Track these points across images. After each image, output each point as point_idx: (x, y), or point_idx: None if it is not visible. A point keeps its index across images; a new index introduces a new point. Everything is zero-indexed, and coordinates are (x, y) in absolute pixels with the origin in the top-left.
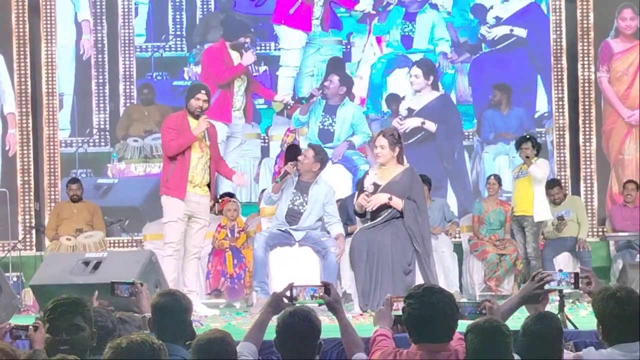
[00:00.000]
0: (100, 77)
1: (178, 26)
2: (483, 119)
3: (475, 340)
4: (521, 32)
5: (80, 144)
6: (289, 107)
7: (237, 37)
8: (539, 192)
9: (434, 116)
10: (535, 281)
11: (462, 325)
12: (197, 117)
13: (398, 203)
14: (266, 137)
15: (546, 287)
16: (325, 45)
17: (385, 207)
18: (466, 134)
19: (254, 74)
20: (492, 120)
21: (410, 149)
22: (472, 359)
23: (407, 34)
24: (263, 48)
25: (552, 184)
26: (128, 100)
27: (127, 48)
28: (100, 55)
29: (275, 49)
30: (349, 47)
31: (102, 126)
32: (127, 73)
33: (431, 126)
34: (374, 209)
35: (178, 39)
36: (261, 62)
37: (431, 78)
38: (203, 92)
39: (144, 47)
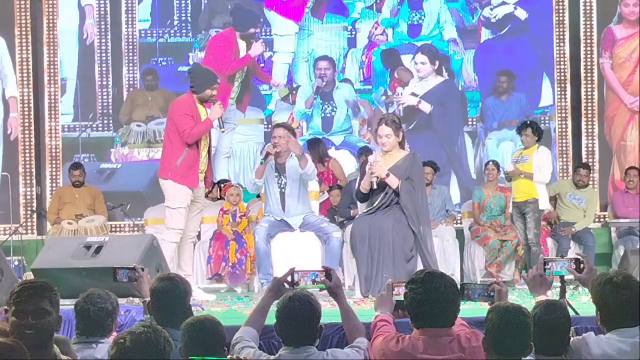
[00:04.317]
0: (104, 61)
1: (183, 12)
2: (485, 108)
3: (495, 320)
4: (522, 13)
5: (83, 129)
6: (293, 92)
7: (247, 28)
8: (540, 184)
9: (436, 101)
10: None
11: (472, 310)
12: (203, 102)
13: (393, 181)
14: (269, 123)
15: (547, 272)
16: (331, 30)
17: (382, 188)
18: (470, 120)
19: (261, 64)
20: (493, 109)
21: (411, 136)
22: (492, 338)
23: (415, 22)
24: (266, 35)
25: (583, 165)
26: (131, 85)
27: (130, 33)
28: (103, 40)
29: (268, 34)
30: (354, 33)
31: (105, 111)
32: (131, 58)
33: (426, 107)
34: (377, 177)
35: (183, 24)
36: (266, 48)
37: (437, 63)
38: (219, 82)
39: (149, 33)
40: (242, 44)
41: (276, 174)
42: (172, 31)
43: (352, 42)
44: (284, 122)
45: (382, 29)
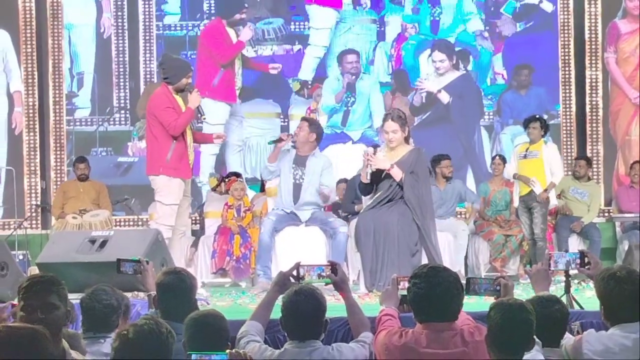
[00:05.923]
0: (121, 55)
1: (213, 5)
2: (502, 103)
3: (497, 317)
4: (548, 6)
5: (100, 123)
6: (308, 87)
7: (232, 14)
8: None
9: (454, 94)
10: None
11: (476, 304)
12: (179, 92)
13: (397, 173)
14: (286, 117)
15: (552, 267)
16: (359, 24)
17: (385, 179)
18: (488, 114)
19: (254, 49)
20: (512, 104)
21: (428, 128)
22: (494, 335)
23: (436, 18)
24: (297, 27)
25: (583, 157)
26: (148, 79)
27: (147, 26)
28: (120, 34)
29: (306, 28)
30: (382, 27)
31: (122, 105)
32: (148, 51)
33: (444, 97)
34: (374, 169)
35: (213, 17)
36: (295, 41)
37: (454, 58)
38: (192, 69)
39: (178, 26)
40: (231, 33)
41: (294, 165)
42: (201, 25)
43: (381, 36)
44: (310, 117)
45: (412, 23)
